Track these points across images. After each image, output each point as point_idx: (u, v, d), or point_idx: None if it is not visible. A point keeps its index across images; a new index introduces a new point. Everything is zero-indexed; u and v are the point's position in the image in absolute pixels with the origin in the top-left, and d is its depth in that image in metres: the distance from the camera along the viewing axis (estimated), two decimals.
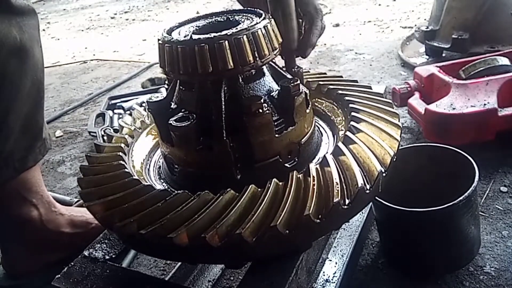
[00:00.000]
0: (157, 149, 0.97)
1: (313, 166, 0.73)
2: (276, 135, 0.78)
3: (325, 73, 1.11)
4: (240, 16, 0.83)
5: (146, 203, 0.71)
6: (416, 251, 1.02)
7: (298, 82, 0.78)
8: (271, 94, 0.80)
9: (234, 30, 0.74)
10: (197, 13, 3.84)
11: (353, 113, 0.87)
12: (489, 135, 1.35)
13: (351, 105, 0.90)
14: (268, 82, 0.82)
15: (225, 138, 0.75)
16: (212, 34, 0.73)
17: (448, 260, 1.01)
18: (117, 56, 3.31)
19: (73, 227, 1.22)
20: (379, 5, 3.51)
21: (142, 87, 2.45)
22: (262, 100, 0.74)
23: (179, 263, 1.06)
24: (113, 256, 0.85)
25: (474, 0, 1.97)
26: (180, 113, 0.78)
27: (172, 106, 0.82)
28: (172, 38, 0.76)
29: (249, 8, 0.85)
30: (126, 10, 4.88)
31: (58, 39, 4.09)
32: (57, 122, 2.29)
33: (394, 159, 0.77)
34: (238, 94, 0.77)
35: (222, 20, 0.85)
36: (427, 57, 2.20)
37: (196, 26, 0.84)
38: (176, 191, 0.73)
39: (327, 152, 0.83)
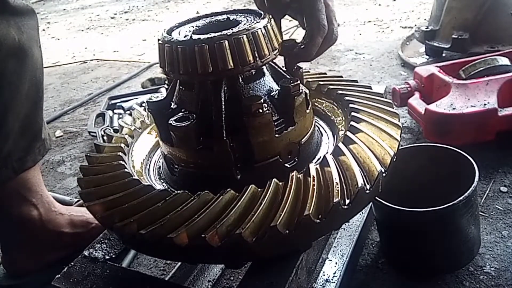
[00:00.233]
0: (157, 149, 0.97)
1: (313, 166, 0.73)
2: (276, 135, 0.78)
3: (325, 73, 1.10)
4: (240, 16, 0.83)
5: (146, 203, 0.71)
6: (416, 251, 1.02)
7: (298, 82, 0.78)
8: (271, 94, 0.80)
9: (234, 30, 0.74)
10: (197, 13, 3.82)
11: (353, 113, 0.87)
12: (489, 135, 1.35)
13: (351, 105, 0.90)
14: (268, 82, 0.82)
15: (225, 138, 0.75)
16: (212, 34, 0.73)
17: (448, 260, 1.01)
18: (117, 56, 3.31)
19: (73, 227, 1.22)
20: (379, 5, 3.51)
21: (142, 87, 2.45)
22: (262, 100, 0.74)
23: (179, 263, 1.06)
24: (113, 256, 0.85)
25: (474, 0, 1.97)
26: (180, 113, 0.78)
27: (172, 106, 0.82)
28: (172, 38, 0.76)
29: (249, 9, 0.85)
30: (126, 10, 4.87)
31: (58, 39, 4.08)
32: (57, 122, 2.28)
33: (394, 159, 0.77)
34: (238, 94, 0.77)
35: (222, 20, 0.85)
36: (427, 57, 2.20)
37: (196, 26, 0.84)
38: (176, 191, 0.73)
39: (327, 152, 0.83)
